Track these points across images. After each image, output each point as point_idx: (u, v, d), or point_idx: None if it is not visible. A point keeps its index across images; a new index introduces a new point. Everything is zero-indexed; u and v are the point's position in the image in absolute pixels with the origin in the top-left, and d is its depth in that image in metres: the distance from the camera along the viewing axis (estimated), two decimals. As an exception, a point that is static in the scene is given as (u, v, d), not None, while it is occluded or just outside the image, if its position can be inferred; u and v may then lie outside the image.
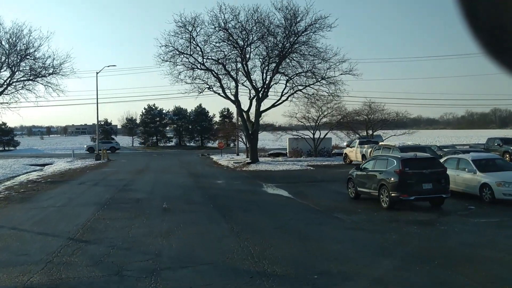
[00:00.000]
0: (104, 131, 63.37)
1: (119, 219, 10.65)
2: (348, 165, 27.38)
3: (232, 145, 65.19)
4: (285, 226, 9.85)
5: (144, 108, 67.27)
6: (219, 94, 30.53)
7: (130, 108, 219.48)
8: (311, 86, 28.64)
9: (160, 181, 19.15)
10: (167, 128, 70.56)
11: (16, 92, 27.23)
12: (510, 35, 1.03)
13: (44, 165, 37.03)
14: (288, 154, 35.93)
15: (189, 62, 28.77)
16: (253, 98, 30.34)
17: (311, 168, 25.24)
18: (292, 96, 29.04)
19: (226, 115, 67.51)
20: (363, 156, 25.51)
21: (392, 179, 11.53)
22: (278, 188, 16.26)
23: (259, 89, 29.23)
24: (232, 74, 28.92)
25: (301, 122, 35.80)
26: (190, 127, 67.06)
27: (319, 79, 28.27)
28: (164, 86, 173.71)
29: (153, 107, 66.88)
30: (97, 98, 37.69)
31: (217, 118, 68.53)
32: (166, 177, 20.59)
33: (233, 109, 74.79)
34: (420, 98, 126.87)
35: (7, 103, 27.56)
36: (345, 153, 28.53)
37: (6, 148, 57.70)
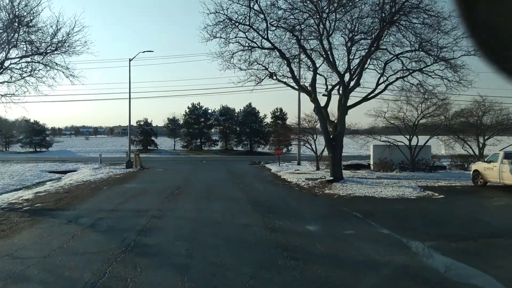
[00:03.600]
0: (143, 132, 57.08)
1: None
2: (484, 188, 18.16)
3: (284, 150, 56.88)
4: None
5: (188, 107, 60.53)
6: (284, 83, 22.21)
7: (175, 109, 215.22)
8: (424, 70, 19.59)
9: (204, 221, 10.96)
10: (212, 130, 63.27)
11: (22, 80, 20.49)
12: (507, 40, 0.99)
13: (65, 172, 30.62)
14: (372, 166, 26.98)
15: (247, 38, 20.70)
16: (331, 89, 21.77)
17: (433, 194, 16.18)
18: (402, 80, 20.07)
19: (278, 116, 59.39)
20: (519, 177, 16.16)
21: None
22: (458, 260, 7.50)
23: (343, 74, 20.53)
24: (309, 53, 20.44)
25: (391, 123, 26.77)
26: (238, 129, 59.35)
27: (436, 61, 19.19)
28: (212, 78, 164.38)
29: (198, 106, 59.89)
30: (129, 90, 30.67)
31: (268, 119, 60.41)
32: (214, 210, 12.41)
33: (289, 108, 66.58)
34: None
35: (12, 94, 20.78)
36: (476, 170, 19.11)
37: (38, 149, 52.54)
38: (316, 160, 26.62)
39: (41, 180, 26.14)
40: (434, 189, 17.72)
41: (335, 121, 20.11)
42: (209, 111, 60.86)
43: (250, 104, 59.18)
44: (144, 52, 29.95)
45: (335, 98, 21.72)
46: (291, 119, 64.37)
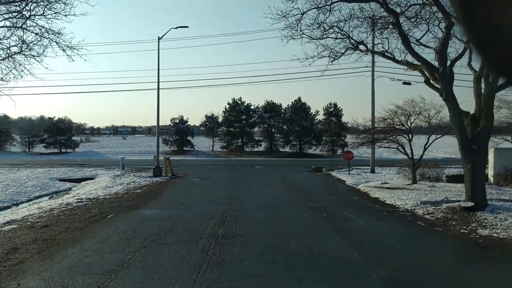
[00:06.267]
0: (178, 131, 51.04)
1: None
2: None
3: (339, 152, 49.18)
4: None
5: (228, 103, 53.86)
6: (382, 54, 14.81)
7: (213, 106, 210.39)
8: None
9: None
10: (256, 129, 56.32)
11: (10, 60, 14.83)
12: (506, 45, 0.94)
13: (79, 180, 24.64)
14: (491, 178, 18.99)
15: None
16: (452, 64, 14.12)
17: None
18: None
19: (332, 112, 51.66)
20: None
21: None
22: None
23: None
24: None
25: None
26: (285, 128, 52.03)
27: None
28: (263, 62, 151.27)
29: (239, 102, 53.13)
30: (158, 76, 24.22)
31: (320, 116, 52.76)
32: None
33: (343, 103, 58.46)
34: None
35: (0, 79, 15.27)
36: None
37: (63, 150, 47.51)
38: (413, 170, 18.88)
39: (43, 192, 20.16)
40: None
41: (476, 113, 12.35)
42: (252, 107, 53.98)
43: (299, 98, 51.71)
44: (176, 28, 23.38)
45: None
46: (347, 116, 56.56)
